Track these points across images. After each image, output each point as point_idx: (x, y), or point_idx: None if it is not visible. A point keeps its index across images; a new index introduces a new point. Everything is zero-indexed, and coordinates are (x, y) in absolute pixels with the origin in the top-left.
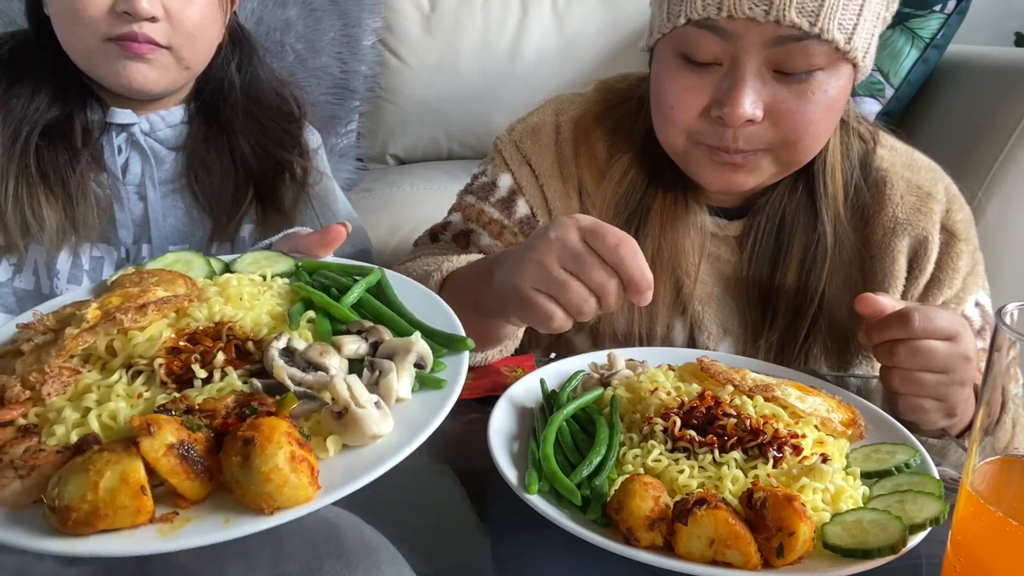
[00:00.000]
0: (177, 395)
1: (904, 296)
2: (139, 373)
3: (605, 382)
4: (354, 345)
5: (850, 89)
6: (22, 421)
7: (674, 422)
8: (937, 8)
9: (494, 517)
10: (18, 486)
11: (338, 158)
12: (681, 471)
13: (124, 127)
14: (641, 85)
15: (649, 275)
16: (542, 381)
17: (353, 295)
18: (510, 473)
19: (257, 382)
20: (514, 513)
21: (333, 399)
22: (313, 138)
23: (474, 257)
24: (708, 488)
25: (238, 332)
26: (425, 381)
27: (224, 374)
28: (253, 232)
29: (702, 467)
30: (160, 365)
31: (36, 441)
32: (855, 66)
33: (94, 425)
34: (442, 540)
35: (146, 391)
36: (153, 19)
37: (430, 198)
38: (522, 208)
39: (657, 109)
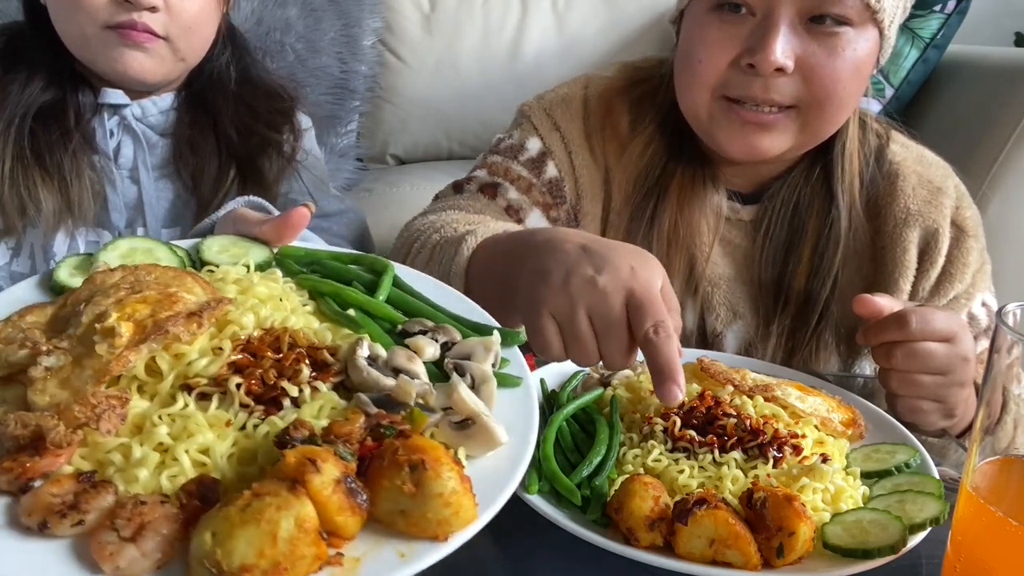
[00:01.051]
0: (277, 419)
1: (916, 288)
2: (203, 396)
3: (605, 382)
4: (431, 348)
5: (874, 60)
6: (67, 468)
7: (674, 422)
8: (937, 8)
9: (494, 517)
10: (135, 552)
11: (338, 158)
12: (681, 471)
13: (116, 110)
14: (661, 66)
15: (676, 369)
16: (542, 381)
17: (384, 291)
18: None
19: (364, 396)
20: (514, 513)
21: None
22: (304, 120)
23: (511, 226)
24: (708, 488)
25: (301, 340)
26: (501, 380)
27: (314, 389)
28: None
29: (702, 467)
30: (238, 385)
31: (113, 492)
32: (881, 34)
33: (186, 464)
34: None
35: (232, 417)
36: (153, 9)
37: (430, 198)
38: (551, 170)
39: (685, 67)
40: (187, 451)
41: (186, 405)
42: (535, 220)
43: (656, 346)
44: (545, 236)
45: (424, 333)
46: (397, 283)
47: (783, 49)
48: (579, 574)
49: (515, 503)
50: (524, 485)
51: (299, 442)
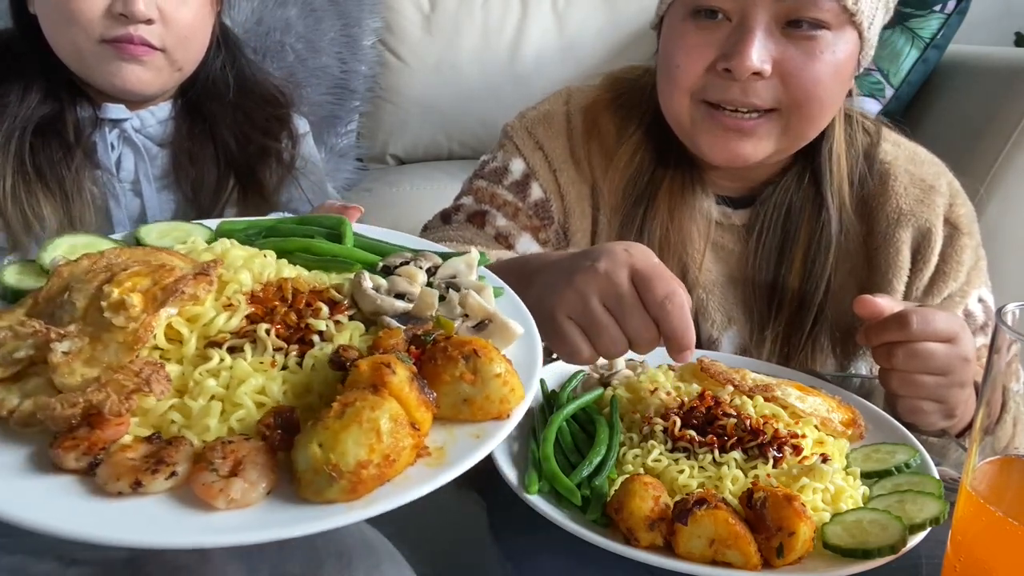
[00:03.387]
0: (316, 351)
1: (909, 288)
2: (233, 349)
3: (605, 382)
4: (421, 274)
5: (855, 63)
6: (127, 438)
7: (674, 422)
8: (937, 8)
9: (494, 517)
10: (242, 484)
11: (338, 158)
12: (681, 471)
13: (116, 123)
14: (646, 75)
15: (692, 335)
16: (542, 381)
17: (349, 239)
18: (510, 473)
19: (387, 319)
20: (514, 513)
21: (466, 315)
22: (301, 124)
23: (506, 255)
24: (708, 488)
25: (302, 286)
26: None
27: (337, 323)
28: (236, 216)
29: (702, 467)
30: (268, 331)
31: (189, 444)
32: (860, 36)
33: (250, 405)
34: (442, 540)
35: (273, 359)
36: (149, 21)
37: (430, 198)
38: (536, 192)
39: (664, 73)
40: (246, 394)
41: (222, 360)
42: (525, 244)
43: (669, 314)
44: (539, 261)
45: (407, 263)
46: (356, 233)
47: (759, 53)
48: (579, 574)
49: (515, 503)
50: (524, 485)
51: (354, 361)
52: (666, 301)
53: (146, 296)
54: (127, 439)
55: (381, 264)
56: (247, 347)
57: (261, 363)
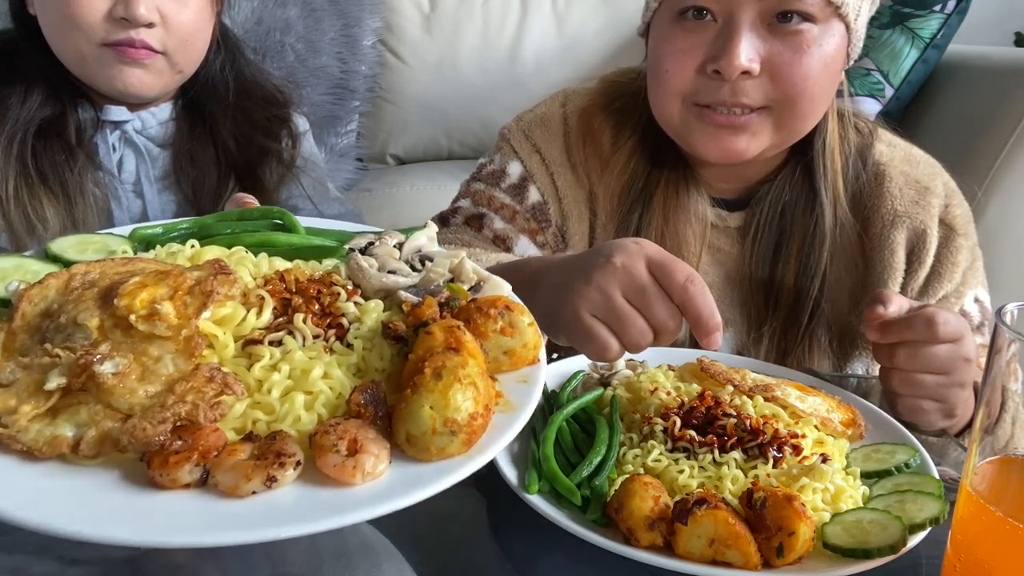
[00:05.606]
0: (354, 331)
1: (904, 289)
2: (274, 344)
3: (605, 382)
4: (396, 251)
5: (844, 55)
6: (232, 435)
7: (674, 422)
8: (937, 8)
9: (494, 517)
10: (369, 457)
11: (338, 158)
12: (681, 471)
13: (117, 125)
14: (640, 79)
15: (718, 317)
16: None
17: (300, 229)
18: (510, 473)
19: (404, 294)
20: (514, 513)
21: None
22: (301, 123)
23: (505, 257)
24: (708, 488)
25: (301, 276)
26: None
27: (357, 304)
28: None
29: (702, 467)
30: (304, 319)
31: (286, 435)
32: (847, 28)
33: (327, 391)
34: (442, 540)
35: (324, 346)
36: (150, 25)
37: (430, 198)
38: (534, 195)
39: (654, 77)
40: (318, 380)
41: (273, 356)
42: (523, 247)
43: (693, 296)
44: (540, 263)
45: (373, 244)
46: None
47: (747, 52)
48: (579, 574)
49: (515, 503)
50: (524, 485)
51: (404, 333)
52: (688, 283)
53: (175, 303)
54: (231, 435)
55: (347, 248)
56: (287, 339)
57: (312, 352)
